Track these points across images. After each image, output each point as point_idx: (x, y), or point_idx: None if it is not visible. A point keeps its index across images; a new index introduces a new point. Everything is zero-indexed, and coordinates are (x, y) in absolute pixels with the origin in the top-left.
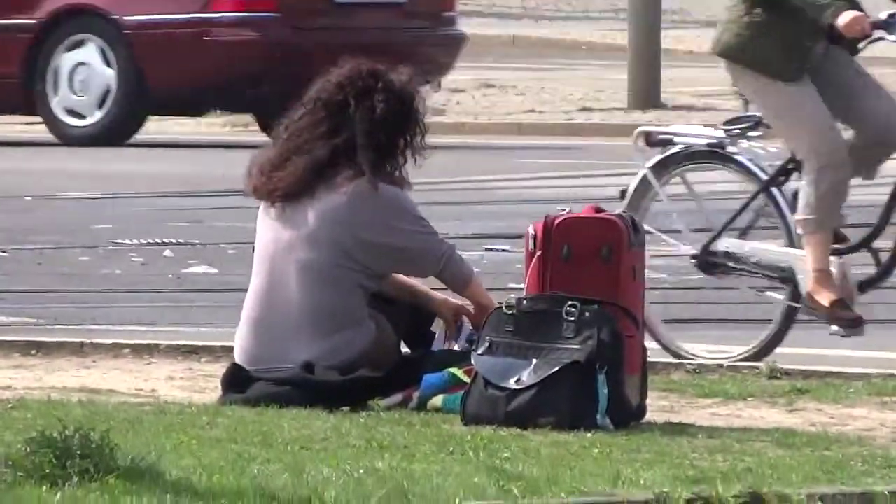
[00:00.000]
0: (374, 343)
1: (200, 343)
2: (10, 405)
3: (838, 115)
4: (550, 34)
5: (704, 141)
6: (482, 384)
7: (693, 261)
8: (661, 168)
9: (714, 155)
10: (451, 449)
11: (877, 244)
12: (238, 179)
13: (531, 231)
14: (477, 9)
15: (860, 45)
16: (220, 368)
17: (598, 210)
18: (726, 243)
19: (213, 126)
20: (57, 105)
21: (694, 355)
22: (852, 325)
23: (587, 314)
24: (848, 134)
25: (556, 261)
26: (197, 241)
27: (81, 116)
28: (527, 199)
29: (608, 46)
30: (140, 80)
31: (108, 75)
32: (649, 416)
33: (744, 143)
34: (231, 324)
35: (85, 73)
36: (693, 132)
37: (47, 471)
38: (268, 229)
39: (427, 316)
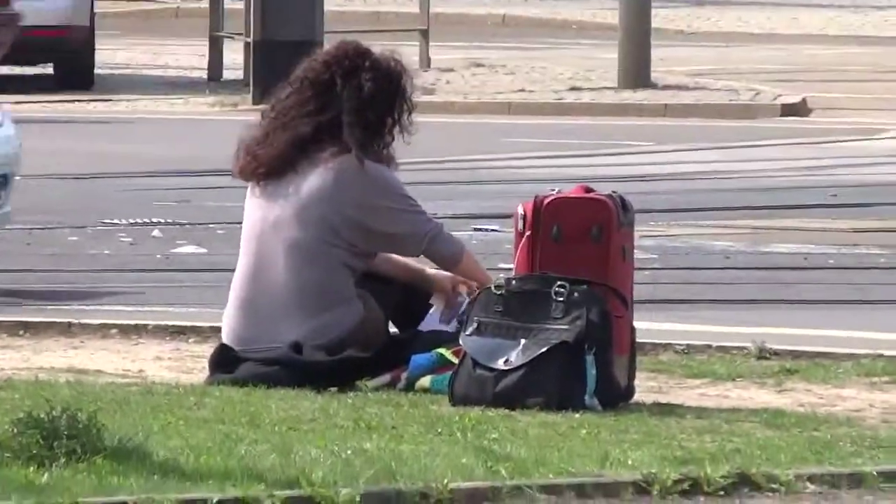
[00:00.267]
0: (362, 323)
1: (188, 323)
2: None
3: None
4: (541, 13)
5: None
6: (470, 365)
7: None
8: None
9: None
10: (438, 430)
11: None
12: (226, 159)
13: (520, 211)
14: None
15: None
16: (207, 349)
17: (588, 190)
18: None
19: (200, 105)
20: None
21: None
22: None
23: (576, 294)
24: None
25: (546, 241)
26: (185, 221)
27: None
28: (516, 179)
29: (598, 26)
30: None
31: None
32: (638, 396)
33: None
34: (219, 304)
35: None
36: None
37: (34, 451)
38: (254, 208)
39: (420, 296)
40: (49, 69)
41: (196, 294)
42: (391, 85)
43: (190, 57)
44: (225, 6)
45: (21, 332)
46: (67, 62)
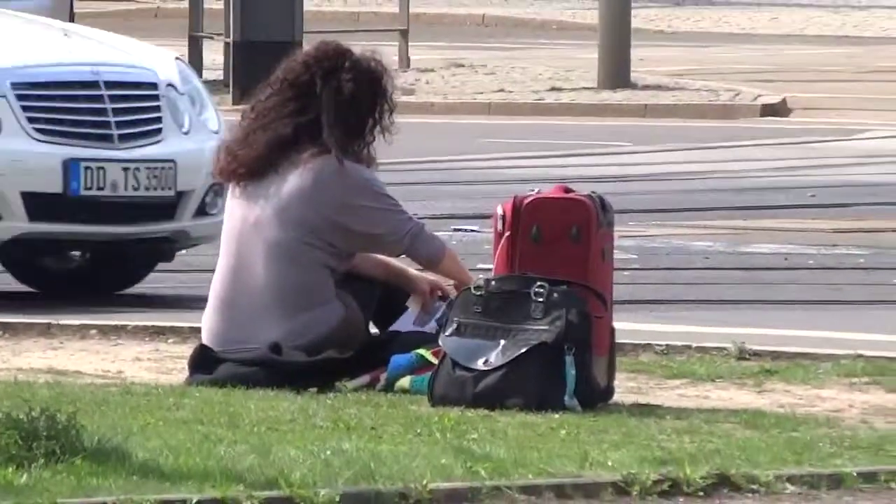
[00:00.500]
0: (342, 323)
1: (167, 324)
2: None
3: None
4: (521, 14)
5: None
6: (450, 365)
7: None
8: None
9: None
10: (418, 430)
11: None
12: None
13: (500, 211)
14: None
15: None
16: (187, 349)
17: (567, 190)
18: None
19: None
20: None
21: None
22: None
23: (555, 295)
24: None
25: (525, 241)
26: None
27: None
28: (496, 180)
29: (578, 26)
30: None
31: None
32: (617, 397)
33: None
34: (198, 304)
35: None
36: None
37: (13, 452)
38: (235, 208)
39: (400, 296)
40: None
41: (175, 294)
42: (371, 85)
43: None
44: (204, 6)
45: (0, 333)
46: None
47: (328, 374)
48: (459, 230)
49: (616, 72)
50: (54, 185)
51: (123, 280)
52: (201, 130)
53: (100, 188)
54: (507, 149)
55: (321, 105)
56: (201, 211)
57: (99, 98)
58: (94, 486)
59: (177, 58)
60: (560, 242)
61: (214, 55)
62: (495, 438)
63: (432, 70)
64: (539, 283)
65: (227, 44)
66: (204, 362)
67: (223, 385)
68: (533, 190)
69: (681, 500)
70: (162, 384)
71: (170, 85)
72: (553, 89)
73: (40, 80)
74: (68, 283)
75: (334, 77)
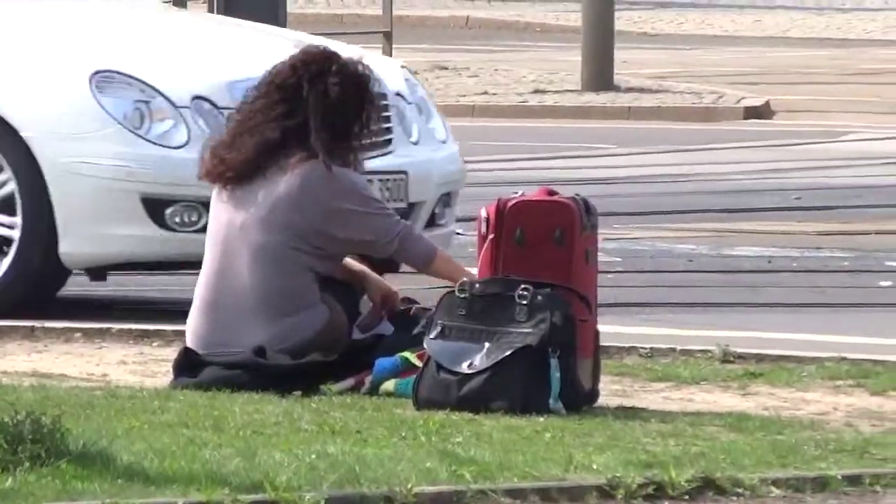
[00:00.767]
0: (327, 327)
1: (152, 327)
2: None
3: None
4: (504, 16)
5: None
6: (434, 368)
7: None
8: None
9: None
10: (403, 433)
11: None
12: None
13: (483, 214)
14: None
15: None
16: (171, 352)
17: (551, 193)
18: None
19: None
20: None
21: None
22: None
23: (540, 298)
24: None
25: (509, 244)
26: None
27: None
28: (479, 182)
29: (562, 28)
30: None
31: None
32: (602, 400)
33: None
34: (183, 307)
35: None
36: None
37: None
38: (221, 211)
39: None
40: None
41: (165, 296)
42: (358, 89)
43: None
44: (188, 7)
45: None
46: None
47: (313, 377)
48: None
49: (599, 74)
50: None
51: None
52: (429, 140)
53: None
54: (490, 151)
55: (308, 109)
56: (431, 222)
57: None
58: (79, 489)
59: (402, 66)
60: (544, 245)
61: None
62: (480, 442)
63: (416, 72)
64: (523, 286)
65: None
66: (188, 365)
67: (208, 388)
68: (516, 192)
69: (666, 503)
70: (147, 387)
71: (398, 94)
72: (537, 91)
73: None
74: None
75: (321, 81)
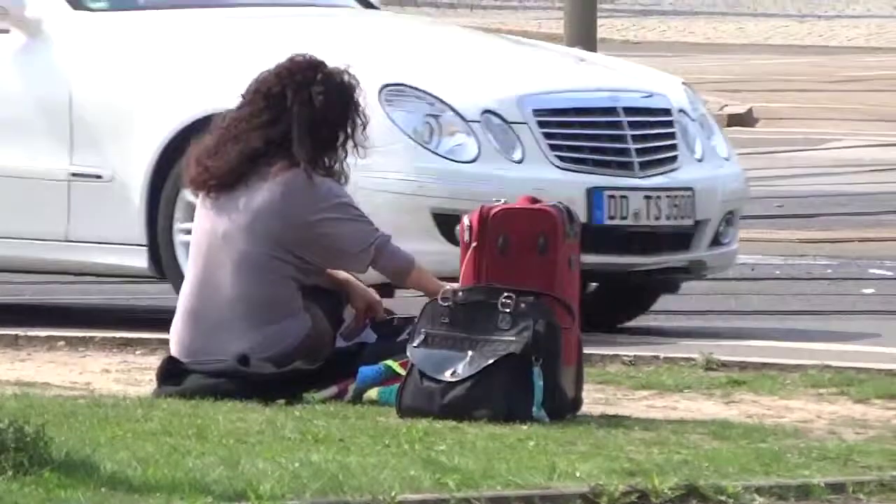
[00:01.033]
0: (310, 335)
1: (135, 335)
2: None
3: None
4: (486, 23)
5: None
6: (418, 376)
7: None
8: None
9: None
10: (386, 441)
11: None
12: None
13: (466, 222)
14: None
15: None
16: (155, 361)
17: (534, 201)
18: None
19: None
20: None
21: None
22: None
23: (523, 305)
24: None
25: (492, 252)
26: None
27: None
28: None
29: (544, 35)
30: None
31: None
32: (585, 408)
33: None
34: (166, 316)
35: None
36: None
37: None
38: (204, 219)
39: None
40: None
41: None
42: (343, 99)
43: None
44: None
45: None
46: None
47: (296, 385)
48: None
49: None
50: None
51: (634, 310)
52: (713, 157)
53: (622, 217)
54: None
55: (292, 118)
56: (715, 240)
57: (618, 125)
58: (62, 498)
59: (683, 83)
60: (527, 253)
61: None
62: (463, 450)
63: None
64: (506, 294)
65: None
66: (172, 374)
67: (191, 397)
68: (499, 200)
69: None
70: (130, 396)
71: (681, 111)
72: None
73: (560, 106)
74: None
75: (306, 90)
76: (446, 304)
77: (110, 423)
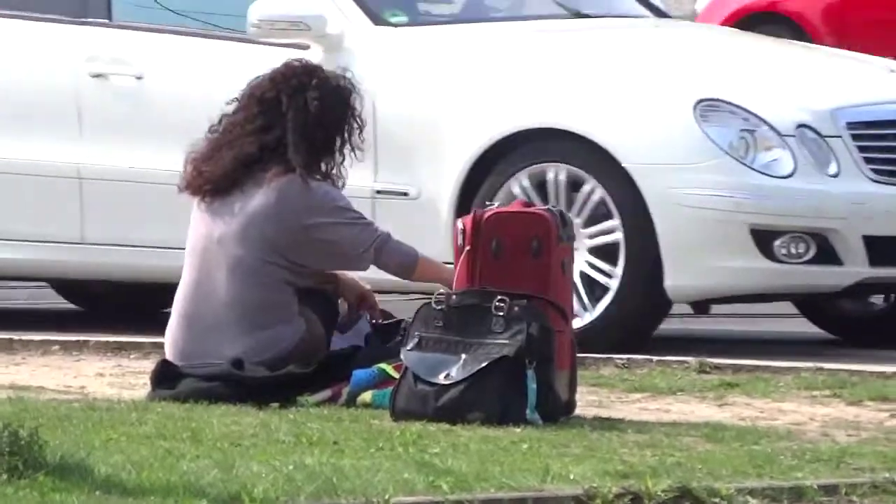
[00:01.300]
0: (304, 339)
1: (129, 339)
2: None
3: None
4: None
5: None
6: (411, 379)
7: None
8: None
9: None
10: (380, 444)
11: None
12: None
13: (460, 226)
14: None
15: None
16: (149, 364)
17: (527, 204)
18: None
19: None
20: None
21: None
22: None
23: (516, 309)
24: None
25: (486, 255)
26: None
27: None
28: None
29: None
30: None
31: None
32: (579, 410)
33: None
34: (161, 320)
35: None
36: None
37: None
38: (199, 224)
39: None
40: None
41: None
42: (339, 103)
43: None
44: None
45: None
46: None
47: (290, 388)
48: None
49: None
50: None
51: None
52: None
53: None
54: None
55: (287, 123)
56: None
57: None
58: (56, 501)
59: None
60: (520, 256)
61: None
62: (457, 452)
63: None
64: (499, 298)
65: None
66: (166, 377)
67: (185, 400)
68: (492, 204)
69: None
70: (124, 399)
71: None
72: None
73: (874, 118)
74: (865, 329)
75: (301, 95)
76: (440, 307)
77: (105, 427)
